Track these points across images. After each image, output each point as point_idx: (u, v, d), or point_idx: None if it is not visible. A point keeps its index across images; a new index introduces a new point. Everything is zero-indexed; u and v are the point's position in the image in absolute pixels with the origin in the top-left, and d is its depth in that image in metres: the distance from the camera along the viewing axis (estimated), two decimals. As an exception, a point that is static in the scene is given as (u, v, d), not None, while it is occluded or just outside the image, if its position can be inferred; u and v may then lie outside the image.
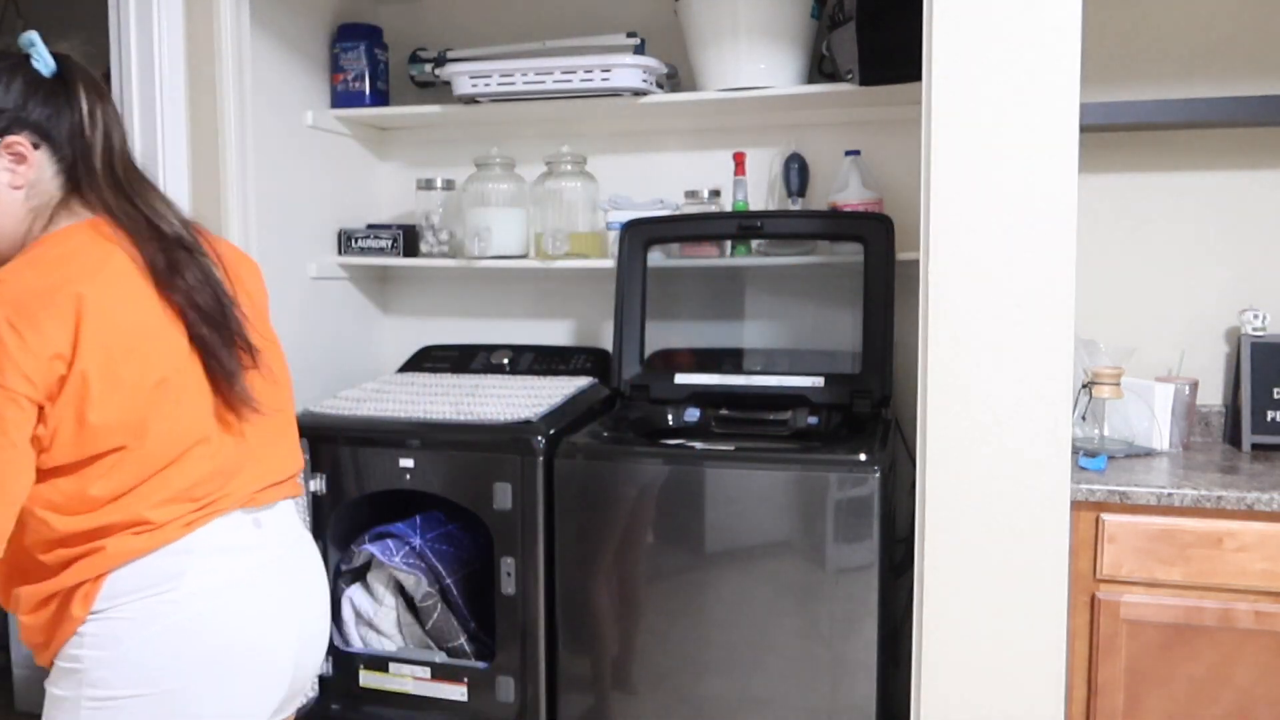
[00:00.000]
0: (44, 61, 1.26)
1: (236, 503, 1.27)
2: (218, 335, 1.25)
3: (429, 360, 2.67)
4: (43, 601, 1.20)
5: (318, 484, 2.25)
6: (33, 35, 1.26)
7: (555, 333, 2.76)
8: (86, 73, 1.29)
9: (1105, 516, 1.80)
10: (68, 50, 1.28)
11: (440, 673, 2.20)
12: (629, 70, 2.28)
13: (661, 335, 2.46)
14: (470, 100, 2.43)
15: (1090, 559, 1.82)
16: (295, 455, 1.39)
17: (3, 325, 1.10)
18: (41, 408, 1.13)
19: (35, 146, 1.23)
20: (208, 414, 1.25)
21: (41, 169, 1.23)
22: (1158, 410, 2.10)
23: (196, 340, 1.24)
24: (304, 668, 1.36)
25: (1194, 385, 2.15)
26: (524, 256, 2.56)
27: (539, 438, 2.06)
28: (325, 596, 1.40)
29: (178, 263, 1.23)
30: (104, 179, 1.25)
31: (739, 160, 2.47)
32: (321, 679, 2.29)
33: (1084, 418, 2.15)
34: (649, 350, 2.44)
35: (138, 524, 1.19)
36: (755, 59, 2.30)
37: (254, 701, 1.26)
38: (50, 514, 1.17)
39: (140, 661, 1.18)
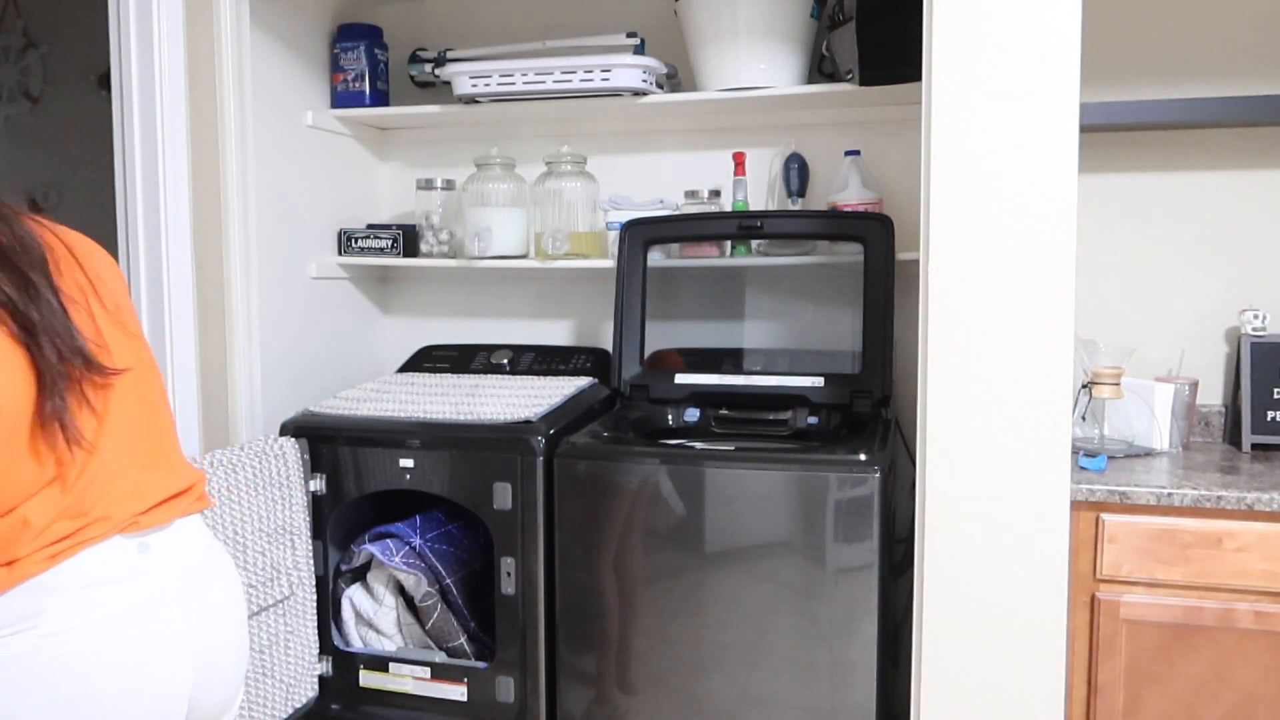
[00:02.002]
0: None
1: (113, 528, 1.09)
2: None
3: (429, 360, 2.67)
4: None
5: (318, 484, 2.25)
6: None
7: (555, 333, 2.76)
8: None
9: (1105, 516, 1.81)
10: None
11: (440, 673, 2.20)
12: (629, 70, 2.28)
13: (661, 335, 2.46)
14: (470, 100, 2.43)
15: (1090, 559, 1.82)
16: (178, 469, 1.21)
17: None
18: None
19: None
20: (35, 451, 1.05)
21: None
22: (1158, 410, 2.10)
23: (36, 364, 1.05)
24: (203, 705, 1.18)
25: (1194, 385, 2.15)
26: (524, 256, 2.56)
27: (539, 438, 2.07)
28: (233, 622, 1.22)
29: None
30: None
31: (739, 160, 2.47)
32: (321, 679, 2.29)
33: (1084, 418, 2.15)
34: (649, 350, 2.44)
35: None
36: (755, 59, 2.30)
37: None
38: None
39: None
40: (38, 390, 1.04)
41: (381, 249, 2.59)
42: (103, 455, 1.11)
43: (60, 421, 1.05)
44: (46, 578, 1.05)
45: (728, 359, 2.41)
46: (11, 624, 1.03)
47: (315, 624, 2.25)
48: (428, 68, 2.64)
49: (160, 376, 1.23)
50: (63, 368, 1.05)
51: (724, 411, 2.30)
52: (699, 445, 2.02)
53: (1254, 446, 2.13)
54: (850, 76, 2.23)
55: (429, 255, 2.59)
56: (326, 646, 2.28)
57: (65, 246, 1.15)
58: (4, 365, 1.02)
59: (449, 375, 2.55)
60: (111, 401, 1.13)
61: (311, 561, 2.23)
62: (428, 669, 2.21)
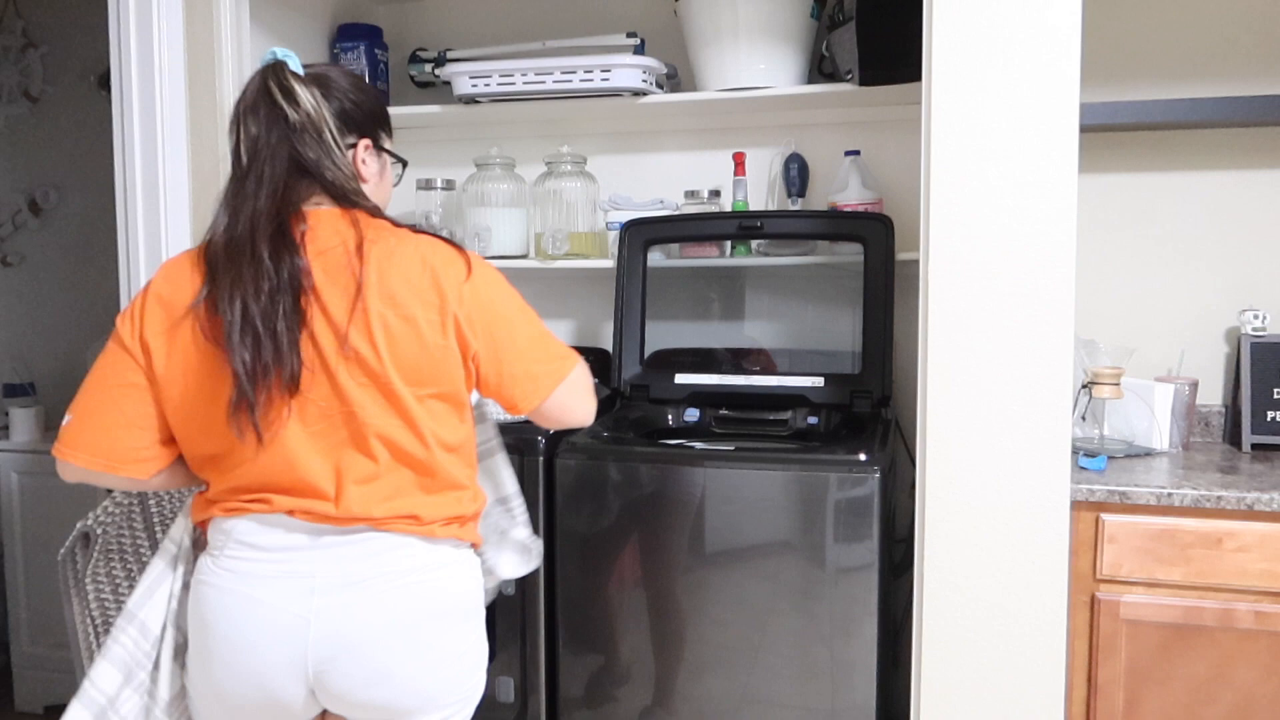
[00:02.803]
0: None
1: (275, 509, 1.29)
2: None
3: (429, 360, 2.66)
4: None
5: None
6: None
7: (555, 332, 2.76)
8: None
9: (1105, 516, 1.81)
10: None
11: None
12: (629, 70, 2.28)
13: (661, 335, 2.45)
14: (470, 100, 2.43)
15: (1090, 559, 1.82)
16: (386, 493, 1.29)
17: None
18: None
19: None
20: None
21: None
22: (1158, 410, 2.10)
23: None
24: (337, 689, 1.30)
25: (1194, 385, 2.15)
26: (524, 256, 2.56)
27: (539, 437, 2.06)
28: (379, 645, 1.29)
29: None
30: None
31: (739, 160, 2.47)
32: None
33: (1084, 418, 2.15)
34: (649, 350, 2.44)
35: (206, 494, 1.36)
36: (755, 59, 2.30)
37: (223, 686, 1.31)
38: None
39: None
40: (234, 388, 1.24)
41: (381, 249, 2.59)
42: (276, 452, 1.27)
43: (244, 416, 1.25)
44: (225, 523, 1.32)
45: (728, 359, 2.41)
46: (209, 547, 1.35)
47: (315, 624, 2.25)
48: (428, 68, 2.64)
49: (378, 404, 1.28)
50: (256, 378, 1.24)
51: (724, 411, 2.30)
52: (699, 445, 2.02)
53: (1254, 446, 2.13)
54: (850, 76, 2.23)
55: (429, 255, 2.59)
56: (326, 646, 2.28)
57: (360, 280, 1.27)
58: (219, 367, 1.26)
59: (449, 375, 2.54)
60: (308, 415, 1.27)
61: (311, 561, 2.23)
62: (428, 669, 2.20)
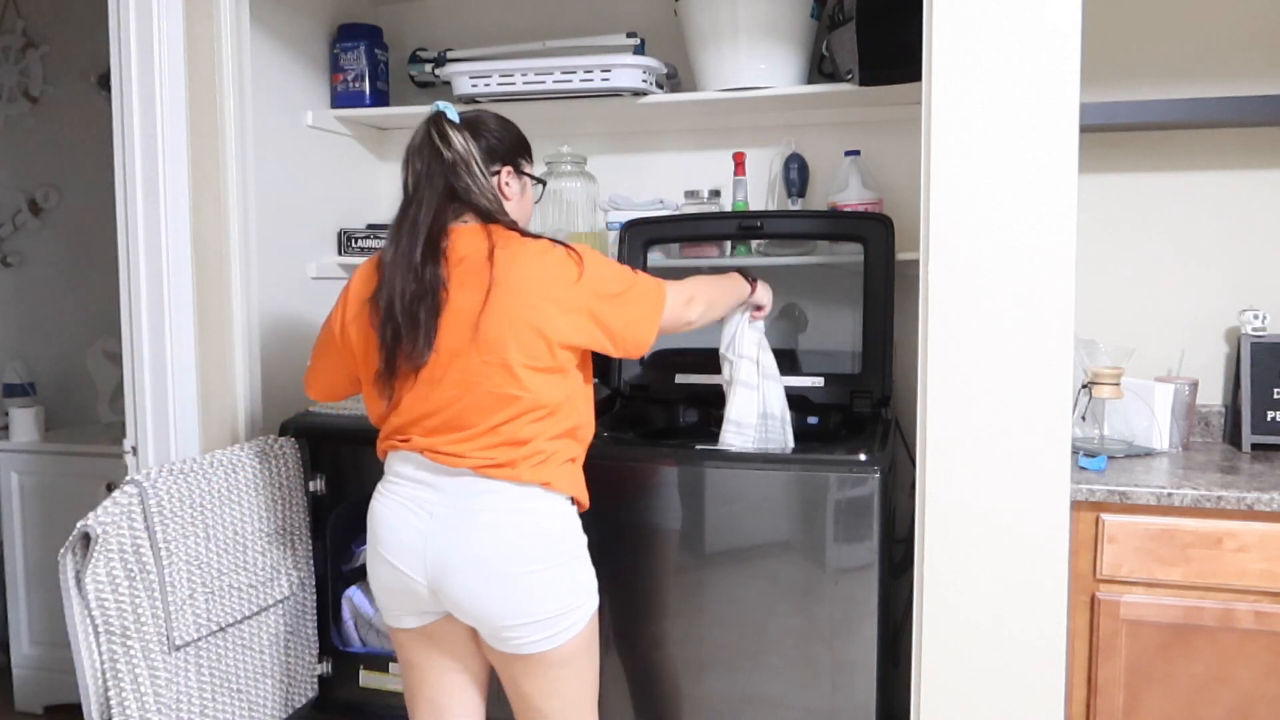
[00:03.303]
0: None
1: (413, 448, 1.66)
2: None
3: (429, 360, 2.66)
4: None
5: (317, 484, 2.25)
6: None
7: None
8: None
9: (1105, 516, 1.81)
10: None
11: (440, 673, 2.20)
12: (629, 70, 2.28)
13: (661, 335, 2.45)
14: (470, 100, 2.43)
15: (1090, 559, 1.82)
16: (481, 444, 1.62)
17: None
18: None
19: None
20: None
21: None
22: (1158, 410, 2.10)
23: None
24: (452, 601, 1.63)
25: (1194, 385, 2.15)
26: (524, 256, 2.56)
27: (539, 438, 2.06)
28: (476, 558, 1.60)
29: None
30: None
31: (739, 160, 2.47)
32: (321, 679, 2.29)
33: (1084, 418, 2.15)
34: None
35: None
36: (755, 59, 2.30)
37: (380, 574, 1.70)
38: None
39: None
40: (380, 361, 1.66)
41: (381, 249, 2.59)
42: (415, 407, 1.65)
43: (383, 382, 1.67)
44: (391, 454, 1.72)
45: (728, 359, 2.40)
46: (386, 471, 1.74)
47: (315, 624, 2.25)
48: (428, 68, 2.64)
49: (503, 374, 1.61)
50: (395, 355, 1.64)
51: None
52: (699, 445, 2.02)
53: (1254, 446, 2.13)
54: (850, 76, 2.23)
55: (429, 255, 2.59)
56: (326, 646, 2.28)
57: (491, 281, 1.60)
58: (369, 343, 1.68)
59: (449, 375, 2.54)
60: (441, 382, 1.63)
61: (311, 561, 2.23)
62: (428, 669, 2.20)
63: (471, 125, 1.71)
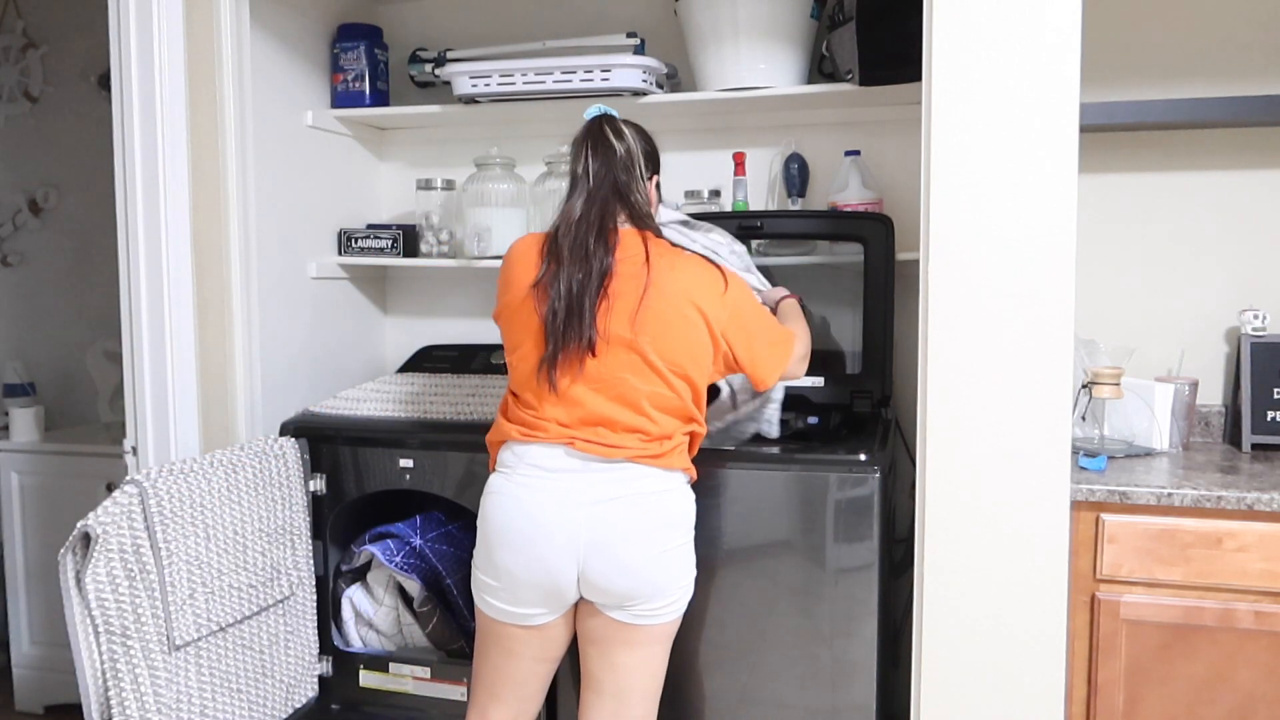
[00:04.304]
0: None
1: (555, 438, 1.72)
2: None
3: (429, 360, 2.67)
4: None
5: (318, 484, 2.25)
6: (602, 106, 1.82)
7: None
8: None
9: (1105, 516, 1.81)
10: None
11: (440, 673, 2.20)
12: (629, 70, 2.28)
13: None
14: (470, 100, 2.43)
15: (1090, 559, 1.82)
16: (629, 431, 1.72)
17: None
18: None
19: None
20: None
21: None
22: (1158, 410, 2.10)
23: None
24: (593, 585, 1.71)
25: (1194, 385, 2.15)
26: (524, 256, 2.56)
27: (539, 438, 2.06)
28: (622, 540, 1.69)
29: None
30: None
31: (739, 160, 2.47)
32: (321, 679, 2.29)
33: (1084, 418, 2.15)
34: (649, 350, 2.44)
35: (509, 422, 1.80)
36: (755, 59, 2.30)
37: (517, 570, 1.72)
38: None
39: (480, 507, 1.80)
40: (541, 349, 1.72)
41: (381, 249, 2.59)
42: (559, 397, 1.72)
43: (545, 369, 1.72)
44: (518, 447, 1.75)
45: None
46: (502, 465, 1.78)
47: (315, 624, 2.25)
48: (428, 68, 2.63)
49: (644, 372, 1.71)
50: (562, 340, 1.70)
51: (724, 411, 2.30)
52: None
53: (1254, 446, 2.13)
54: (850, 76, 2.22)
55: (429, 255, 2.59)
56: (326, 646, 2.28)
57: (647, 283, 1.70)
58: (532, 331, 1.74)
59: (449, 375, 2.55)
60: (594, 374, 1.71)
61: (311, 561, 2.23)
62: (428, 669, 2.21)
63: (634, 127, 1.81)
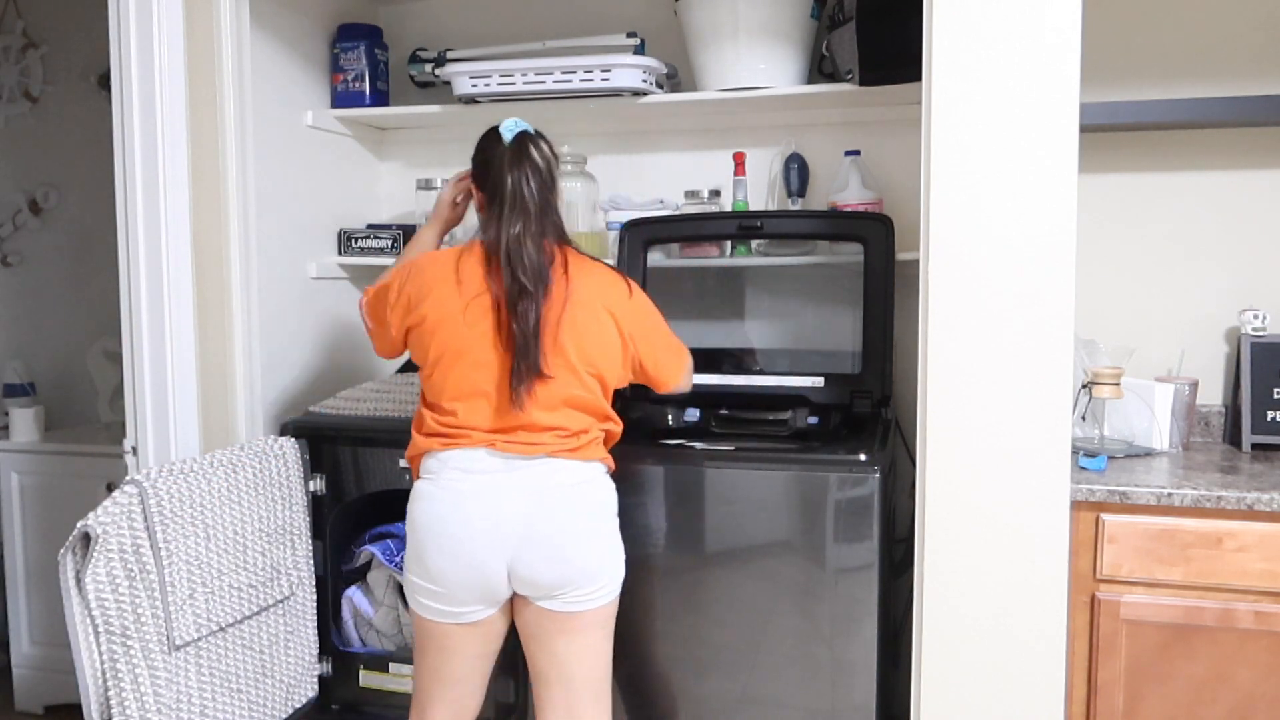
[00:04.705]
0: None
1: (476, 442, 1.78)
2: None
3: (429, 360, 2.66)
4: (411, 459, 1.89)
5: (318, 484, 2.25)
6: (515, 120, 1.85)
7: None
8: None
9: (1105, 516, 1.81)
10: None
11: (440, 673, 2.19)
12: (629, 70, 2.28)
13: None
14: (470, 100, 2.43)
15: (1090, 559, 1.82)
16: (549, 427, 1.78)
17: None
18: None
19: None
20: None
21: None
22: (1158, 410, 2.10)
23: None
24: (522, 578, 1.77)
25: (1194, 385, 2.15)
26: (524, 256, 2.56)
27: (539, 438, 2.06)
28: (551, 533, 1.75)
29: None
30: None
31: (739, 160, 2.47)
32: (321, 679, 2.29)
33: (1084, 418, 2.15)
34: (649, 350, 2.44)
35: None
36: (755, 59, 2.30)
37: (447, 572, 1.77)
38: None
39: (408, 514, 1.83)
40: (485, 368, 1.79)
41: (381, 249, 2.59)
42: (469, 404, 1.78)
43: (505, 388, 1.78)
44: (441, 454, 1.79)
45: (728, 359, 2.41)
46: (425, 472, 1.82)
47: (315, 624, 2.25)
48: (428, 68, 2.63)
49: (566, 376, 1.79)
50: (525, 366, 1.76)
51: (724, 411, 2.30)
52: (699, 445, 2.02)
53: (1254, 446, 2.13)
54: (850, 76, 2.23)
55: (429, 255, 2.59)
56: (326, 646, 2.28)
57: (568, 294, 1.78)
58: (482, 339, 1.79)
59: (449, 375, 2.54)
60: (535, 392, 1.77)
61: (311, 561, 2.23)
62: (428, 669, 2.20)
63: (546, 142, 1.85)
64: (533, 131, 1.83)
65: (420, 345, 1.82)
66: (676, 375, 1.95)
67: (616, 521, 1.86)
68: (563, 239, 1.84)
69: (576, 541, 1.77)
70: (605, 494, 1.84)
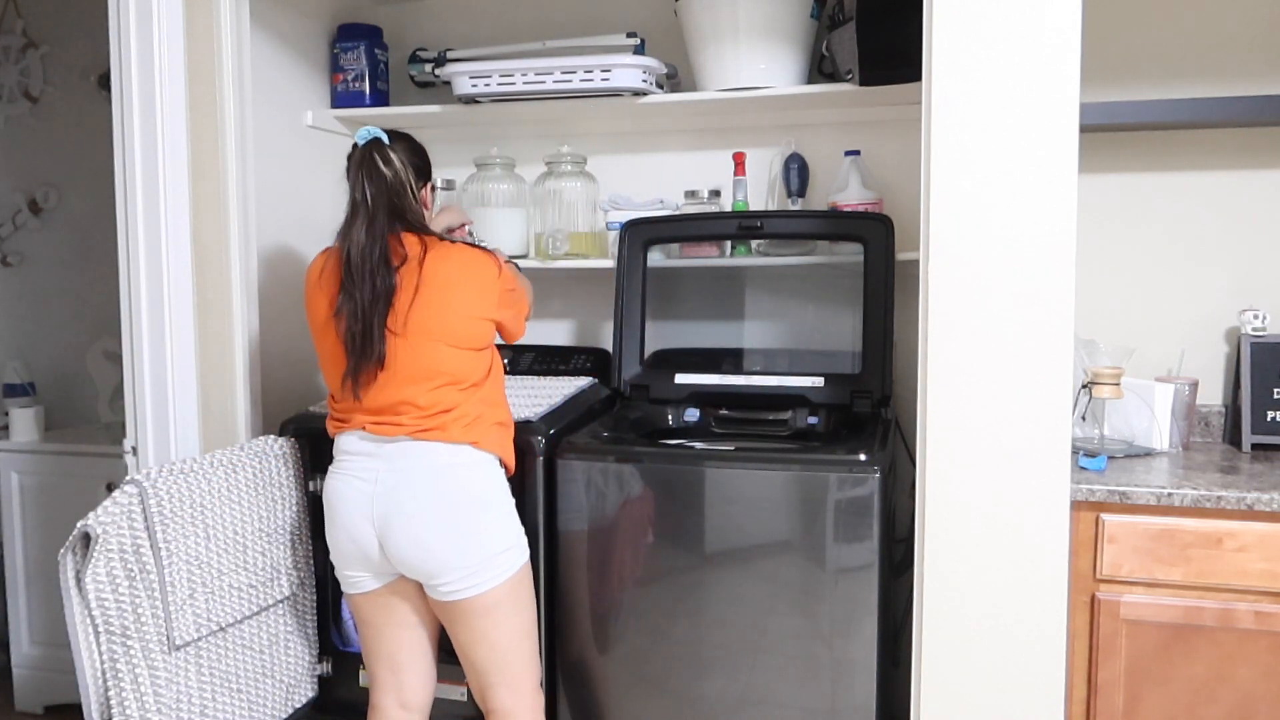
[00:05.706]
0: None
1: (355, 427, 1.89)
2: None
3: (429, 360, 2.66)
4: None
5: (317, 484, 2.25)
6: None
7: (555, 333, 2.76)
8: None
9: (1105, 516, 1.81)
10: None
11: (440, 673, 2.19)
12: (629, 70, 2.28)
13: (661, 335, 2.46)
14: (470, 100, 2.43)
15: (1090, 559, 1.82)
16: (412, 414, 1.85)
17: None
18: None
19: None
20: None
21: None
22: (1158, 410, 2.10)
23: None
24: (395, 557, 1.85)
25: (1194, 385, 2.15)
26: (524, 256, 2.56)
27: (539, 438, 2.06)
28: (418, 512, 1.82)
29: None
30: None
31: (739, 160, 2.47)
32: (321, 679, 2.29)
33: (1084, 418, 2.15)
34: (649, 350, 2.44)
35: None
36: (755, 59, 2.30)
37: (338, 543, 1.91)
38: None
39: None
40: (343, 365, 1.88)
41: (381, 249, 2.59)
42: (361, 401, 1.89)
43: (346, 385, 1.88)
44: (338, 438, 1.94)
45: (728, 359, 2.41)
46: (334, 455, 1.94)
47: (315, 624, 2.25)
48: (428, 68, 2.63)
49: (421, 356, 1.85)
50: (359, 360, 1.86)
51: (724, 411, 2.30)
52: (699, 445, 2.02)
53: (1254, 446, 2.13)
54: (850, 76, 2.23)
55: (429, 255, 2.59)
56: (326, 647, 2.28)
57: (420, 280, 1.85)
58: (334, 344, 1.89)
59: (449, 375, 2.54)
60: (379, 378, 1.86)
61: (311, 561, 2.23)
62: (428, 669, 2.20)
63: (405, 143, 1.95)
64: (381, 137, 1.90)
65: (315, 346, 1.96)
66: (522, 333, 2.07)
67: (493, 510, 1.87)
68: (425, 233, 1.91)
69: (434, 529, 1.82)
70: (476, 483, 1.87)
